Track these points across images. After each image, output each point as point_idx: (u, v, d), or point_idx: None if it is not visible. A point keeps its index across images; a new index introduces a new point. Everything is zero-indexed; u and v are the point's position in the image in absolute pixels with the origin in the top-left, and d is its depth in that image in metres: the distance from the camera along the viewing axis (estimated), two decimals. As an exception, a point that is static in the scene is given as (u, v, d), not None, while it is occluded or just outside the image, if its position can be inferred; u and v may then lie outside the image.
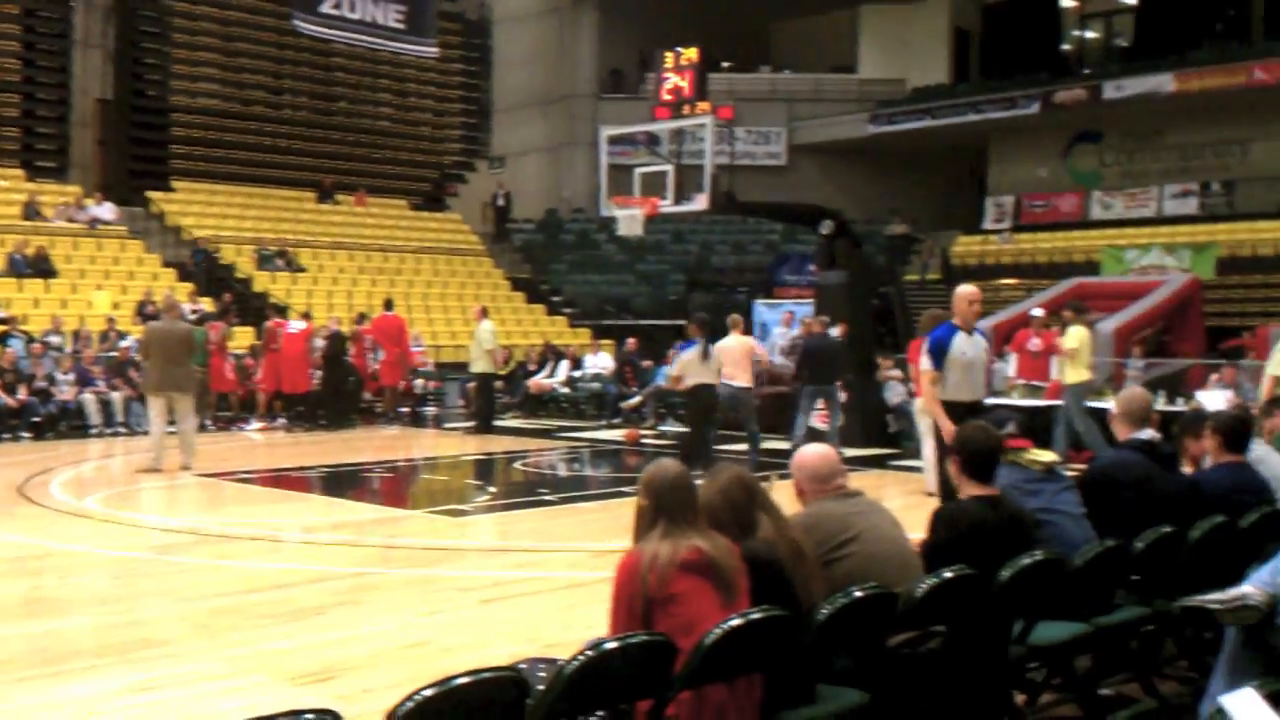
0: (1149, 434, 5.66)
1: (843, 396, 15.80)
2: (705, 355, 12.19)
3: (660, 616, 3.43)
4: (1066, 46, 35.52)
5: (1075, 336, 13.81)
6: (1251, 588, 4.36)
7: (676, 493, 3.63)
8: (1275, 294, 25.37)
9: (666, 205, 18.02)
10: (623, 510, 6.02)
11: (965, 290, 9.07)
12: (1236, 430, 5.86)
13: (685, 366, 12.39)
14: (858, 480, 7.94)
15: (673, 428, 19.03)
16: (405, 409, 20.06)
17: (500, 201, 32.35)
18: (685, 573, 3.47)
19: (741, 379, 13.44)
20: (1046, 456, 5.31)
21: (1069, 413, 13.73)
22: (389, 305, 20.19)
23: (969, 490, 4.63)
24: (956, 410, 8.27)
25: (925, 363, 8.96)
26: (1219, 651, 4.53)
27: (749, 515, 3.91)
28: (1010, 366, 16.20)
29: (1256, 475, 5.87)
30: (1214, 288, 24.89)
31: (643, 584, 3.47)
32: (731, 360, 13.33)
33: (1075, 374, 13.75)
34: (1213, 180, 30.29)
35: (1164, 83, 29.41)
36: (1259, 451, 6.13)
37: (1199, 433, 6.13)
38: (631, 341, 21.42)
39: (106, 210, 24.49)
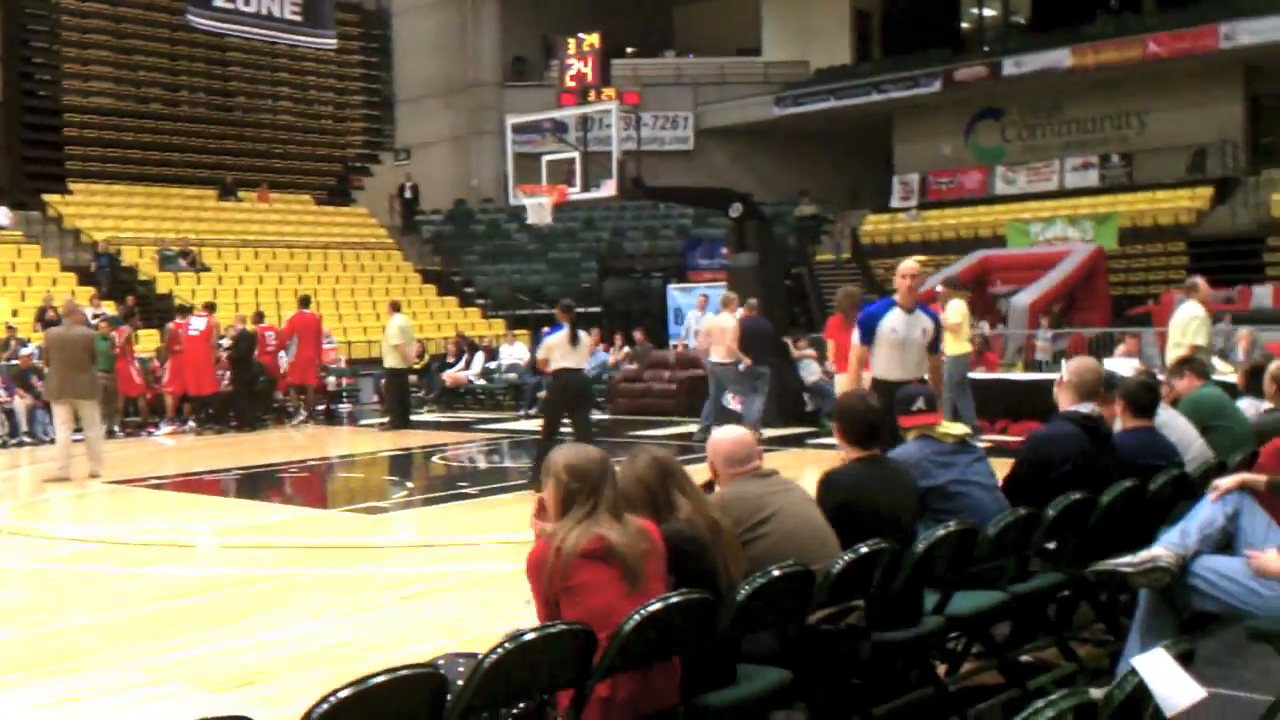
0: (1090, 408, 5.63)
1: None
2: (574, 340, 11.96)
3: (567, 606, 3.40)
4: (965, 25, 36.01)
5: (957, 310, 14.06)
6: (1162, 550, 4.43)
7: (594, 477, 3.58)
8: (1176, 262, 25.98)
9: (575, 193, 17.97)
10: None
11: (901, 266, 8.95)
12: (1143, 396, 5.95)
13: (551, 350, 12.18)
14: (775, 459, 7.97)
15: (590, 415, 18.96)
16: (319, 407, 19.81)
17: (407, 194, 32.06)
18: (587, 561, 3.43)
19: (716, 354, 14.41)
20: (957, 429, 5.38)
21: (945, 385, 13.98)
22: (305, 303, 19.88)
23: (852, 455, 4.77)
24: (886, 389, 7.92)
25: (855, 337, 8.98)
26: (1133, 614, 4.62)
27: (666, 498, 3.89)
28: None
29: (1164, 439, 5.97)
30: (1117, 258, 25.42)
31: (548, 576, 3.44)
32: (714, 337, 14.46)
33: (957, 347, 13.99)
34: (1112, 152, 30.90)
35: (1061, 58, 29.95)
36: (1165, 415, 6.24)
37: (1109, 399, 6.23)
38: (546, 331, 21.31)
39: (1, 215, 23.86)
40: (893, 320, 8.66)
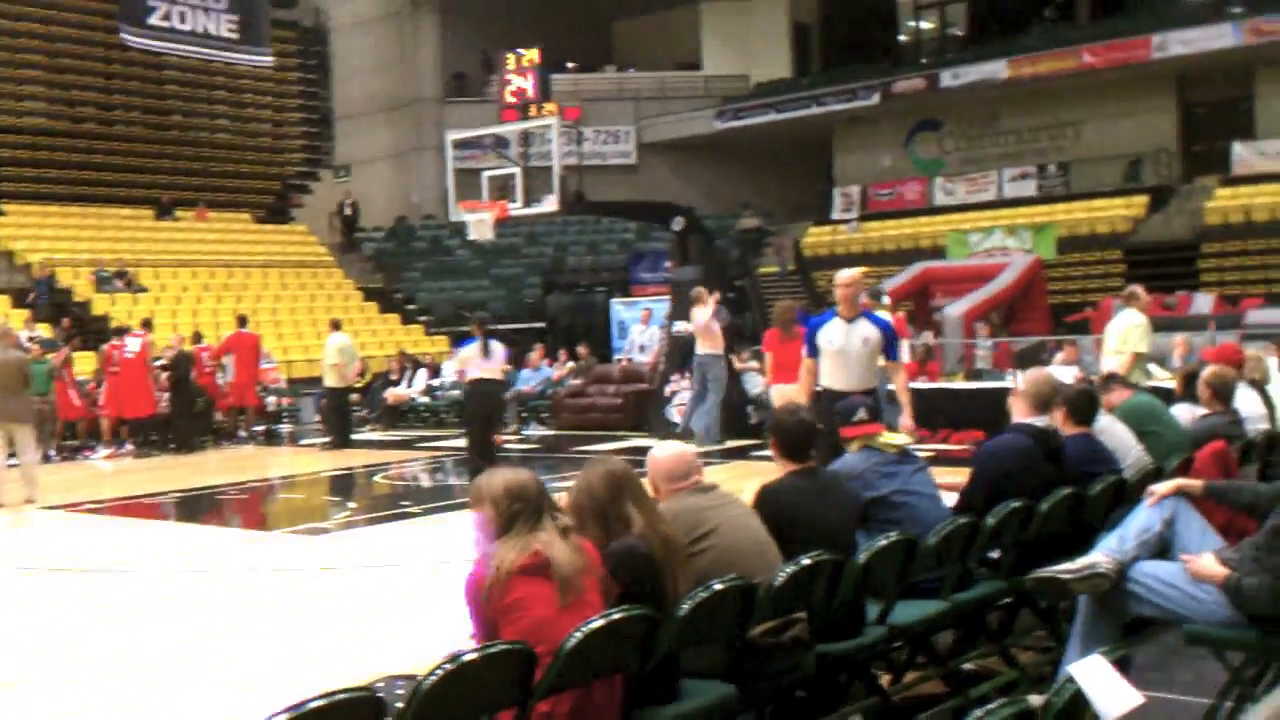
0: (1044, 421, 5.67)
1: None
2: (485, 352, 12.62)
3: (505, 624, 3.39)
4: (903, 37, 36.37)
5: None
6: (1100, 556, 4.47)
7: (530, 497, 3.58)
8: (1114, 270, 26.31)
9: (516, 208, 17.94)
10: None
11: (838, 275, 8.90)
12: (1083, 404, 6.01)
13: (465, 361, 12.97)
14: (718, 472, 7.96)
15: (535, 431, 18.96)
16: (259, 428, 19.60)
17: (348, 211, 31.79)
18: (524, 577, 3.43)
19: (702, 348, 15.20)
20: (900, 440, 5.40)
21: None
22: (243, 322, 19.69)
23: (787, 468, 4.79)
24: (828, 399, 7.97)
25: (804, 350, 9.02)
26: (1074, 620, 4.65)
27: (618, 510, 3.87)
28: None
29: (1102, 446, 6.03)
30: (1055, 266, 25.71)
31: (485, 594, 3.42)
32: (697, 331, 15.22)
33: None
34: (1049, 162, 31.28)
35: (998, 70, 30.31)
36: (1103, 422, 6.30)
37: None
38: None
39: (-67, 238, 23.42)
40: (830, 331, 8.62)
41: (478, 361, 12.68)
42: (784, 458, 4.82)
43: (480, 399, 12.85)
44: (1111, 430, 6.38)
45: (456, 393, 20.37)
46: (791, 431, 4.82)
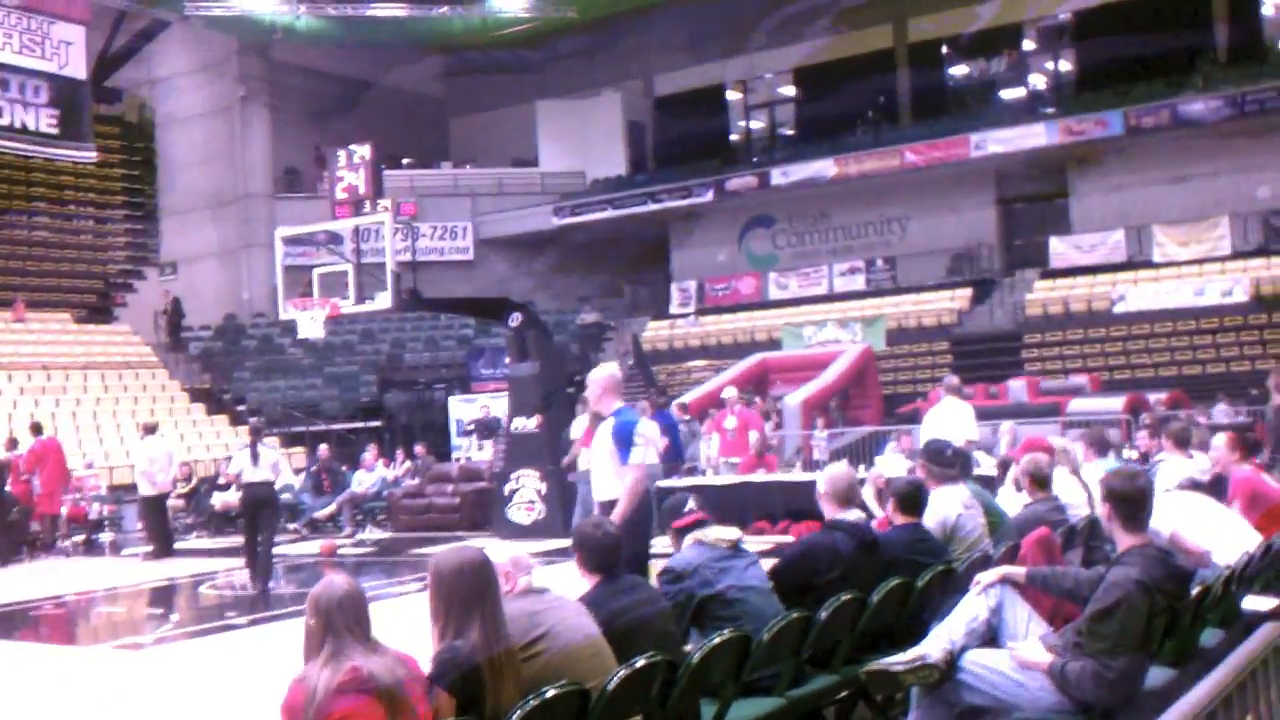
0: (855, 515, 5.76)
1: (543, 486, 16.08)
2: (254, 458, 13.12)
3: (328, 743, 3.26)
4: (735, 136, 37.30)
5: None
6: (931, 646, 4.47)
7: (344, 611, 3.50)
8: (941, 360, 27.08)
9: (347, 305, 17.68)
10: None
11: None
12: (912, 496, 6.13)
13: (236, 466, 13.51)
14: (559, 570, 7.84)
15: (372, 535, 18.50)
16: (80, 537, 18.69)
17: (166, 309, 30.75)
18: (344, 695, 3.32)
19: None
20: (731, 534, 5.36)
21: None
22: (39, 429, 18.88)
23: (591, 580, 4.72)
24: (601, 508, 7.18)
25: None
26: (909, 711, 4.63)
27: (465, 609, 3.77)
28: (714, 446, 16.72)
29: (930, 535, 6.13)
30: (885, 358, 26.35)
31: (305, 716, 3.30)
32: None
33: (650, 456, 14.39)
34: (876, 257, 32.21)
35: (825, 168, 31.25)
36: (964, 512, 6.46)
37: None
38: (324, 448, 20.74)
39: None
40: (595, 435, 7.64)
41: (248, 467, 13.17)
42: (589, 571, 4.75)
43: (247, 504, 13.40)
44: (976, 517, 6.54)
45: (288, 496, 19.83)
46: (594, 544, 4.75)
